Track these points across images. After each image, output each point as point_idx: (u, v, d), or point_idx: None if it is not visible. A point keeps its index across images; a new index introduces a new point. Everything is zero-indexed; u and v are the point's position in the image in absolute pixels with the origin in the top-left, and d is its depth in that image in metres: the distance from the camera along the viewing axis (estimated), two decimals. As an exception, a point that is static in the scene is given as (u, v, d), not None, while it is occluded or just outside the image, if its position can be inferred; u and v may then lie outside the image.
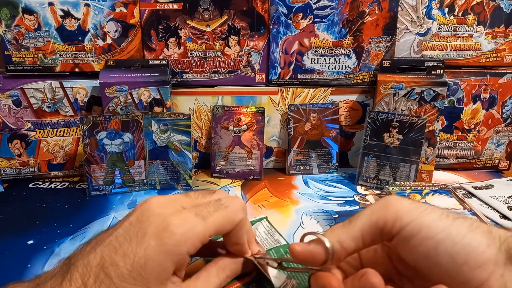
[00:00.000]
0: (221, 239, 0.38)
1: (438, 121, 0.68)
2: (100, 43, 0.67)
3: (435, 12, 0.68)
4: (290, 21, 0.68)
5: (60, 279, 0.30)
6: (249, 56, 0.70)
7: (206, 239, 0.32)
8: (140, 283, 0.30)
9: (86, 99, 0.69)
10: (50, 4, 0.64)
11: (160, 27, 0.67)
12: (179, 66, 0.70)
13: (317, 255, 0.31)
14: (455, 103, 0.71)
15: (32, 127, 0.68)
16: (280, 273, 0.38)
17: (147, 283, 0.30)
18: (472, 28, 0.69)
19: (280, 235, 0.49)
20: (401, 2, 0.68)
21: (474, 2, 0.68)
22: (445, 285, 0.25)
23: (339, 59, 0.70)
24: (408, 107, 0.68)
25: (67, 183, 0.69)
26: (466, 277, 0.25)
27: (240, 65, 0.70)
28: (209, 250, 0.39)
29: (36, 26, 0.65)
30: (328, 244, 0.30)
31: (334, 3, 0.67)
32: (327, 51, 0.70)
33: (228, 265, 0.37)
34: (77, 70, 0.68)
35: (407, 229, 0.27)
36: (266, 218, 0.53)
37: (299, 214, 0.58)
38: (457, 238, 0.25)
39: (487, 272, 0.25)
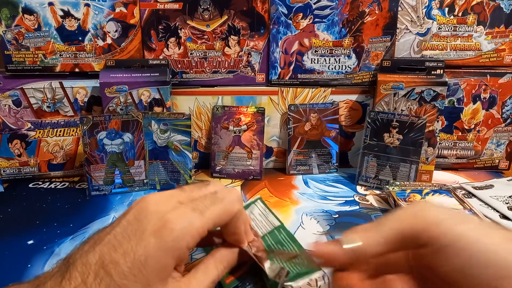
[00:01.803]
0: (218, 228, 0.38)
1: (438, 121, 0.68)
2: (100, 43, 0.67)
3: (435, 12, 0.68)
4: (290, 21, 0.68)
5: (59, 278, 0.30)
6: (249, 56, 0.70)
7: (205, 233, 0.33)
8: (140, 281, 0.30)
9: (86, 99, 0.69)
10: (50, 4, 0.64)
11: (160, 27, 0.67)
12: (179, 66, 0.70)
13: (337, 256, 0.30)
14: (455, 103, 0.71)
15: (32, 127, 0.68)
16: (274, 263, 0.39)
17: (147, 281, 0.30)
18: (472, 28, 0.69)
19: (275, 216, 0.49)
20: (401, 2, 0.68)
21: (474, 2, 0.68)
22: None
23: (339, 59, 0.70)
24: (408, 107, 0.68)
25: (67, 183, 0.69)
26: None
27: (240, 65, 0.70)
28: (206, 241, 0.39)
29: (36, 26, 0.65)
30: (345, 246, 0.29)
31: (334, 3, 0.67)
32: (327, 51, 0.70)
33: (225, 256, 0.37)
34: (77, 70, 0.68)
35: (438, 241, 0.26)
36: (260, 198, 0.52)
37: (299, 214, 0.58)
38: (493, 251, 0.24)
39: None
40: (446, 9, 0.68)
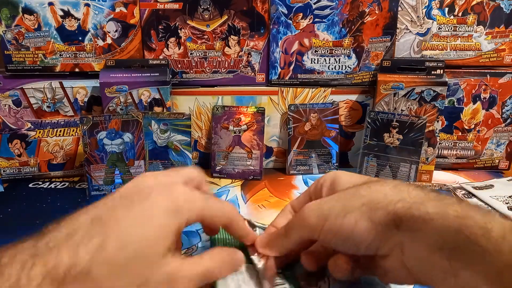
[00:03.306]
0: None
1: (438, 121, 0.68)
2: (100, 43, 0.67)
3: (435, 12, 0.68)
4: (290, 21, 0.68)
5: (31, 242, 0.28)
6: (249, 56, 0.70)
7: (204, 217, 0.34)
8: (141, 239, 0.29)
9: (86, 99, 0.69)
10: (50, 4, 0.64)
11: (160, 27, 0.67)
12: (179, 66, 0.70)
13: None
14: (455, 103, 0.71)
15: (32, 127, 0.68)
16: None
17: (148, 242, 0.29)
18: (472, 28, 0.69)
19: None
20: (401, 2, 0.68)
21: (474, 2, 0.68)
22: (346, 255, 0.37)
23: (339, 59, 0.70)
24: (408, 107, 0.68)
25: (67, 183, 0.69)
26: (364, 250, 0.34)
27: (240, 65, 0.70)
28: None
29: (36, 26, 0.65)
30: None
31: (334, 3, 0.67)
32: (327, 51, 0.70)
33: (222, 253, 0.37)
34: (77, 70, 0.68)
35: (320, 237, 0.36)
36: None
37: (299, 214, 0.58)
38: (348, 233, 0.34)
39: (376, 244, 0.33)
40: (446, 9, 0.68)
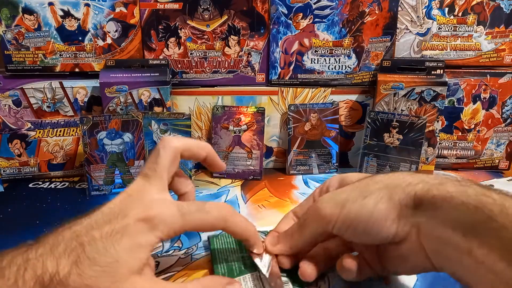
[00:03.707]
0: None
1: (438, 121, 0.68)
2: (100, 43, 0.67)
3: (435, 12, 0.68)
4: (290, 21, 0.68)
5: (24, 249, 0.30)
6: (249, 56, 0.70)
7: (180, 233, 0.35)
8: (112, 257, 0.30)
9: (86, 99, 0.69)
10: (50, 4, 0.64)
11: (160, 27, 0.67)
12: (179, 66, 0.70)
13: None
14: (455, 103, 0.71)
15: (32, 127, 0.68)
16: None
17: (119, 259, 0.30)
18: (472, 28, 0.69)
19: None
20: (401, 2, 0.68)
21: (474, 2, 0.68)
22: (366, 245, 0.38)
23: (339, 59, 0.70)
24: (408, 107, 0.68)
25: (67, 183, 0.69)
26: (382, 236, 0.34)
27: (240, 65, 0.70)
28: None
29: (36, 26, 0.65)
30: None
31: (334, 3, 0.67)
32: (327, 51, 0.70)
33: (209, 284, 0.37)
34: (77, 70, 0.68)
35: (336, 227, 0.36)
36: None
37: (299, 214, 0.58)
38: (367, 216, 0.34)
39: (394, 227, 0.33)
40: (446, 9, 0.68)
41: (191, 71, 0.70)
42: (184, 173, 0.43)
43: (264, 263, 0.40)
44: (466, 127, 0.73)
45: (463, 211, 0.30)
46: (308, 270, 0.39)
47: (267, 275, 0.39)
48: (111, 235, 0.31)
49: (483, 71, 0.70)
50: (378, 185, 0.35)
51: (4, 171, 0.69)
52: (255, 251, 0.40)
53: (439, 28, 0.69)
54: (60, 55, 0.67)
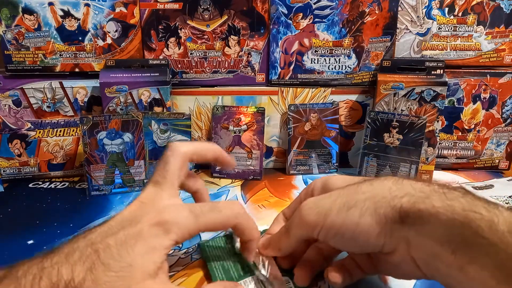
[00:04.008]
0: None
1: (438, 121, 0.68)
2: (100, 43, 0.67)
3: (435, 12, 0.68)
4: (290, 21, 0.68)
5: (40, 258, 0.31)
6: (249, 56, 0.70)
7: (195, 234, 0.35)
8: (125, 261, 0.30)
9: (86, 99, 0.69)
10: (50, 4, 0.64)
11: (160, 27, 0.67)
12: (179, 66, 0.70)
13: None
14: (455, 103, 0.71)
15: (32, 127, 0.68)
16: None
17: (133, 263, 0.31)
18: (472, 28, 0.69)
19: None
20: (401, 2, 0.68)
21: (474, 2, 0.68)
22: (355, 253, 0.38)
23: (339, 59, 0.70)
24: (408, 107, 0.68)
25: (67, 183, 0.69)
26: (368, 247, 0.34)
27: (240, 65, 0.70)
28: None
29: (36, 26, 0.65)
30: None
31: (334, 3, 0.67)
32: (327, 51, 0.70)
33: None
34: (77, 70, 0.68)
35: (320, 235, 0.36)
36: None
37: (299, 214, 0.58)
38: (352, 228, 0.34)
39: (381, 240, 0.33)
40: (446, 9, 0.68)
41: (191, 71, 0.70)
42: (193, 172, 0.43)
43: (262, 264, 0.40)
44: (466, 127, 0.73)
45: (450, 227, 0.30)
46: (301, 275, 0.39)
47: (267, 276, 0.39)
48: (125, 241, 0.31)
49: (483, 71, 0.70)
50: (364, 195, 0.34)
51: (4, 171, 0.69)
52: (252, 254, 0.40)
53: (439, 28, 0.69)
54: (60, 55, 0.67)
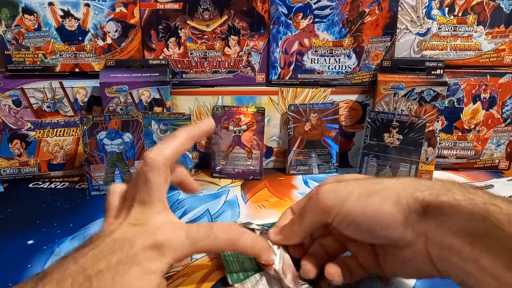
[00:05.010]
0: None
1: (438, 121, 0.68)
2: (100, 43, 0.67)
3: (435, 12, 0.68)
4: (290, 21, 0.68)
5: (31, 285, 0.29)
6: (249, 56, 0.70)
7: (189, 256, 0.36)
8: (121, 286, 0.30)
9: (86, 99, 0.69)
10: (50, 4, 0.64)
11: (160, 27, 0.67)
12: (179, 66, 0.70)
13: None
14: (455, 103, 0.71)
15: (32, 127, 0.68)
16: None
17: (128, 286, 0.30)
18: (472, 28, 0.69)
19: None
20: (401, 2, 0.68)
21: (474, 2, 0.68)
22: (371, 243, 0.37)
23: (339, 59, 0.70)
24: (408, 107, 0.68)
25: (67, 183, 0.69)
26: (384, 237, 0.34)
27: (240, 65, 0.70)
28: None
29: (36, 26, 0.65)
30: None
31: (334, 3, 0.67)
32: (327, 51, 0.70)
33: None
34: (77, 70, 0.68)
35: (336, 220, 0.35)
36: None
37: (299, 214, 0.58)
38: (371, 214, 0.33)
39: (399, 231, 0.33)
40: (446, 9, 0.68)
41: (191, 71, 0.70)
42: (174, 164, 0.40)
43: (276, 259, 0.40)
44: (466, 127, 0.73)
45: (471, 220, 0.30)
46: (307, 267, 0.39)
47: (280, 271, 0.39)
48: (119, 266, 0.30)
49: (483, 71, 0.70)
50: (384, 185, 0.34)
51: (4, 171, 0.69)
52: (268, 267, 0.40)
53: (439, 28, 0.69)
54: (60, 55, 0.67)
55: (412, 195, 0.33)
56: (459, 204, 0.30)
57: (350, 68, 0.71)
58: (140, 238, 0.32)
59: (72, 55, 0.67)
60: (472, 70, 0.70)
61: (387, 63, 0.69)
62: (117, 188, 0.38)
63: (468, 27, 0.69)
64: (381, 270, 0.38)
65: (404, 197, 0.33)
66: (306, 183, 0.69)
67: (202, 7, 0.67)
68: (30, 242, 0.52)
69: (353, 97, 0.72)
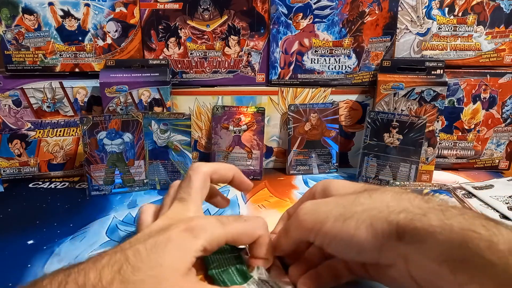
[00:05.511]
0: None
1: (438, 121, 0.68)
2: (100, 43, 0.67)
3: (435, 12, 0.68)
4: (290, 21, 0.68)
5: (66, 267, 0.30)
6: (249, 56, 0.70)
7: (223, 243, 0.36)
8: (156, 262, 0.31)
9: (86, 99, 0.69)
10: (50, 4, 0.64)
11: (160, 27, 0.67)
12: (179, 66, 0.70)
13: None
14: (455, 103, 0.71)
15: (32, 127, 0.68)
16: None
17: (162, 263, 0.31)
18: (472, 28, 0.69)
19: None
20: (401, 2, 0.68)
21: (474, 2, 0.68)
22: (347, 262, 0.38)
23: (339, 59, 0.70)
24: (408, 107, 0.68)
25: (67, 183, 0.69)
26: (363, 258, 0.35)
27: (240, 65, 0.70)
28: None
29: (36, 26, 0.65)
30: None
31: (334, 3, 0.67)
32: (327, 51, 0.70)
33: None
34: (77, 70, 0.68)
35: (316, 241, 0.36)
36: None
37: (299, 214, 0.58)
38: (347, 239, 0.34)
39: (375, 254, 0.33)
40: (446, 9, 0.68)
41: (191, 71, 0.70)
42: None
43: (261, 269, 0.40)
44: (466, 127, 0.73)
45: (448, 247, 0.29)
46: (296, 275, 0.39)
47: (268, 277, 0.39)
48: (155, 245, 0.32)
49: (483, 71, 0.70)
50: (361, 207, 0.34)
51: (4, 171, 0.69)
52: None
53: (439, 28, 0.69)
54: (60, 55, 0.67)
55: (386, 218, 0.33)
56: (435, 231, 0.30)
57: (350, 68, 0.71)
58: (175, 225, 0.34)
59: (72, 55, 0.67)
60: (472, 70, 0.70)
61: (387, 63, 0.69)
62: (149, 208, 0.43)
63: (468, 27, 0.69)
64: (371, 278, 0.38)
65: (379, 221, 0.33)
66: (306, 183, 0.69)
67: (202, 7, 0.67)
68: (30, 242, 0.52)
69: (353, 97, 0.72)
